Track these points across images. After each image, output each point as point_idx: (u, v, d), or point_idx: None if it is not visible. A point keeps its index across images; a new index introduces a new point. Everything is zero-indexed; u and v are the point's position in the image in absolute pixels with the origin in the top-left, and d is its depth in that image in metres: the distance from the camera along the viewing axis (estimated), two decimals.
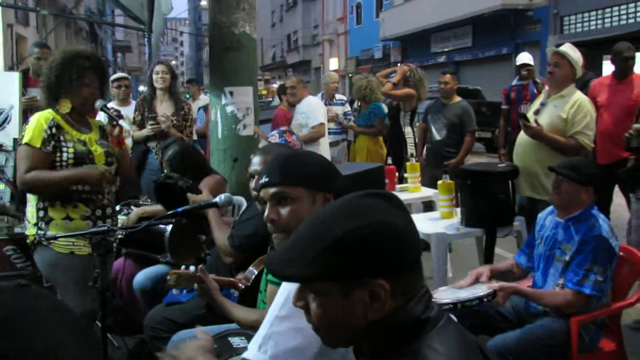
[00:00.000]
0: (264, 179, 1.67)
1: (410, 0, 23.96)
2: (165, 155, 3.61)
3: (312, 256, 1.02)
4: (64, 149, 2.69)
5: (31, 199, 2.76)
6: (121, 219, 3.51)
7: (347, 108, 6.75)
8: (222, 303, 2.12)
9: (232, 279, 2.46)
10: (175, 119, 4.79)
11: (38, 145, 2.63)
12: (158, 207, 3.48)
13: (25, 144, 2.63)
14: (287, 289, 1.50)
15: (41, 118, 2.68)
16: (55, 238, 2.66)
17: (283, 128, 3.53)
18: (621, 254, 2.72)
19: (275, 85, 8.61)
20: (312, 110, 5.70)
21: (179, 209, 2.47)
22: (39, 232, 2.72)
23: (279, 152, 2.07)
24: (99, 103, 2.80)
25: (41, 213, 2.72)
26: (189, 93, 8.97)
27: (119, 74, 5.76)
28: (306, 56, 34.74)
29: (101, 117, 3.33)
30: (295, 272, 1.03)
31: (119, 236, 3.24)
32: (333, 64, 31.03)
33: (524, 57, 6.35)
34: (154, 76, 4.85)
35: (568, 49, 3.75)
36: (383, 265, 1.02)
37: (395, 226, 1.04)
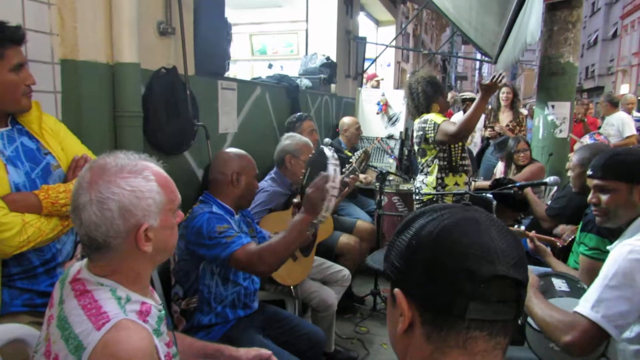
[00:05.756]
0: (590, 172, 1.85)
1: None
2: (501, 149, 4.51)
3: None
4: None
5: (433, 171, 3.25)
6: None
7: None
8: (553, 263, 2.33)
9: (552, 238, 2.70)
10: (511, 123, 5.58)
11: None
12: (485, 184, 4.23)
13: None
14: (616, 264, 1.55)
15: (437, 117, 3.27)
16: (428, 195, 3.20)
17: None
18: None
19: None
20: (624, 124, 6.61)
21: (518, 184, 3.08)
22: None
23: (600, 149, 2.34)
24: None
25: (439, 180, 3.25)
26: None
27: (468, 94, 7.25)
28: (600, 83, 36.31)
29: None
30: None
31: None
32: (624, 89, 29.74)
33: None
34: (501, 95, 5.65)
35: None
36: None
37: None
